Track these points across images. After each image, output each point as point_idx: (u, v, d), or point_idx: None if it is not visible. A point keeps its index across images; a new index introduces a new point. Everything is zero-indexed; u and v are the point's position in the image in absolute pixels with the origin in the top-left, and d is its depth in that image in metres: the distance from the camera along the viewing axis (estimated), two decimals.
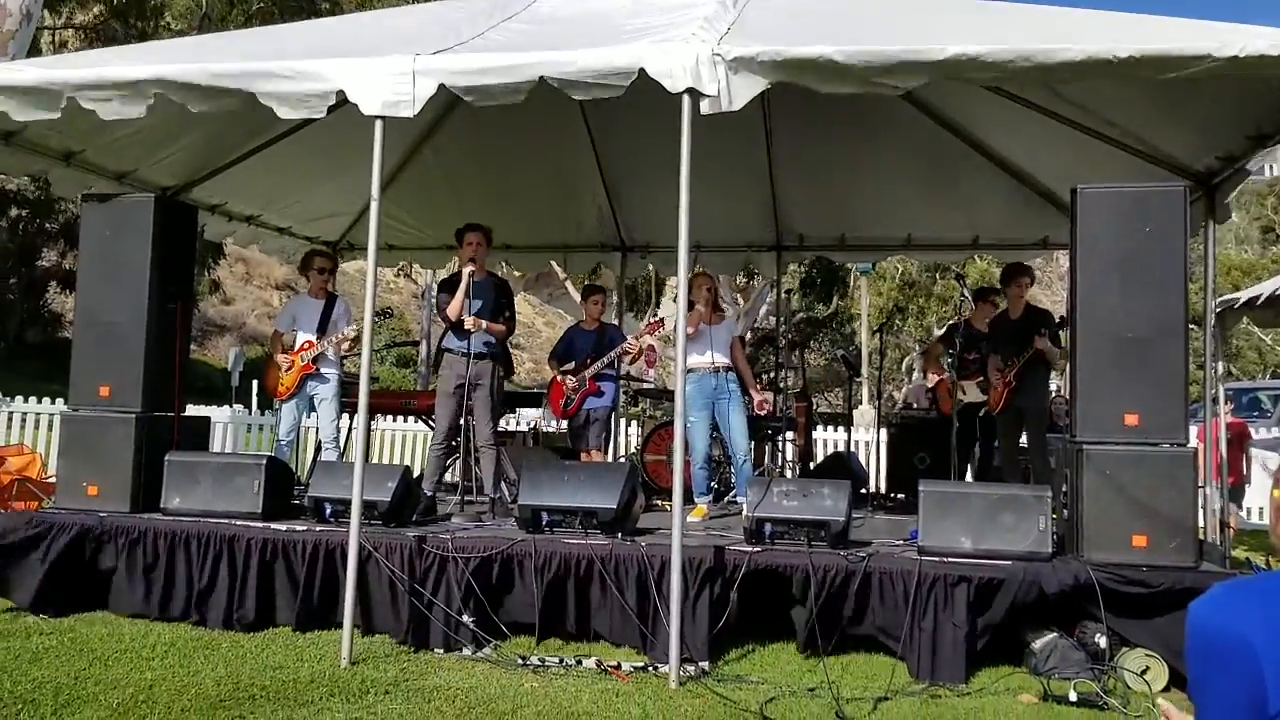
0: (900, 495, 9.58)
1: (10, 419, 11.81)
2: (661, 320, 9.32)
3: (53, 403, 11.89)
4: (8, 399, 11.82)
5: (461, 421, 7.26)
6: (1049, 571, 5.34)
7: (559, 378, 8.45)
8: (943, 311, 27.14)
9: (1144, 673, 5.14)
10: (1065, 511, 5.95)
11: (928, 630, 5.35)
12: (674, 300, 28.17)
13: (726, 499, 8.46)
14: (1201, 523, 7.29)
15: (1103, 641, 5.27)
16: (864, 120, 8.33)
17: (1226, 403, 8.99)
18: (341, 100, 5.56)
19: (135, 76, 5.73)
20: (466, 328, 7.15)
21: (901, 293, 29.69)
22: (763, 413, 8.61)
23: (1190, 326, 5.73)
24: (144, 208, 6.69)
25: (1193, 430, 6.42)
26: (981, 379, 8.43)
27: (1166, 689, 5.08)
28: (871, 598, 5.52)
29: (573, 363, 8.42)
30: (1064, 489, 6.08)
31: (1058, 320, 7.96)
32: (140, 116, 5.82)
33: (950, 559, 5.48)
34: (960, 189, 9.31)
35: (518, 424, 13.46)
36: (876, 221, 10.17)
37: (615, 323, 9.46)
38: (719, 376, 7.65)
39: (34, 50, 12.24)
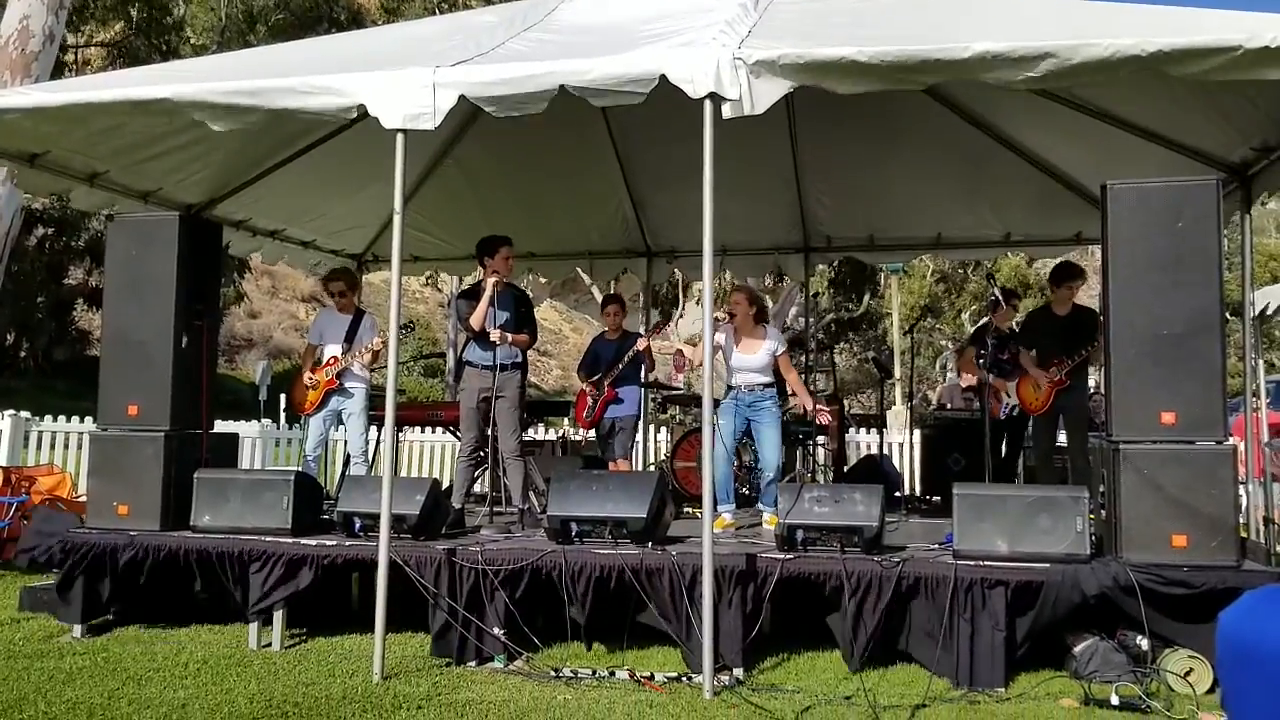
0: (936, 498, 9.47)
1: (40, 439, 11.83)
2: (662, 322, 9.26)
3: (81, 421, 11.88)
4: (37, 419, 11.83)
5: (487, 434, 7.23)
6: (1088, 573, 5.23)
7: (584, 387, 8.47)
8: (977, 309, 26.88)
9: (1187, 675, 5.05)
10: (1103, 512, 5.85)
11: (965, 635, 5.26)
12: (697, 304, 28.14)
13: (755, 507, 8.40)
14: (1244, 520, 7.21)
15: (1144, 644, 5.19)
16: (890, 119, 8.26)
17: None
18: (362, 114, 5.54)
19: (156, 96, 5.73)
20: (492, 340, 7.12)
21: (933, 291, 29.41)
22: (825, 423, 8.48)
23: (1230, 318, 5.62)
24: (168, 226, 6.66)
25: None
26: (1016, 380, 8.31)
27: (1211, 690, 4.98)
28: (907, 603, 5.45)
29: (598, 375, 8.45)
30: (1101, 489, 5.98)
31: None
32: (165, 133, 5.84)
33: (986, 563, 5.38)
34: (990, 186, 9.22)
35: (545, 433, 13.44)
36: (905, 221, 10.09)
37: (640, 330, 9.42)
38: (754, 393, 7.42)
39: (58, 68, 12.33)
